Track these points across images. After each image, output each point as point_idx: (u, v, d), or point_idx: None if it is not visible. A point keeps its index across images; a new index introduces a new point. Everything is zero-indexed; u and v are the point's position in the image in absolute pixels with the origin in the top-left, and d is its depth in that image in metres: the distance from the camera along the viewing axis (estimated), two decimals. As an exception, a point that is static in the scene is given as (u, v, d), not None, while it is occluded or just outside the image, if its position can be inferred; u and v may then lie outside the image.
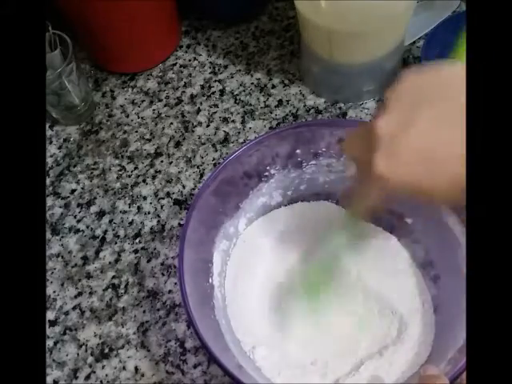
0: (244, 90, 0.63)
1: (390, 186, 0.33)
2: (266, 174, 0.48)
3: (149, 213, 0.56)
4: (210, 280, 0.45)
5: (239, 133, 0.60)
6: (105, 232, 0.55)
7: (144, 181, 0.58)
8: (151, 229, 0.55)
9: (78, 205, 0.57)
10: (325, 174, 0.49)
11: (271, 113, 0.61)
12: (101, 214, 0.56)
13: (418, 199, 0.36)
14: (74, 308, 0.51)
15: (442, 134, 0.32)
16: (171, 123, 0.61)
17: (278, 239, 0.50)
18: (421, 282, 0.47)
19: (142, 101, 0.63)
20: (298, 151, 0.48)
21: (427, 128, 0.32)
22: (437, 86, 0.33)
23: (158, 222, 0.55)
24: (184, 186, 0.57)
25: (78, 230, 0.55)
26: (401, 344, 0.43)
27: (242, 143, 0.58)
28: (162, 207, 0.56)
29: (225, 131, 0.60)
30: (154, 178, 0.58)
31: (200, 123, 0.61)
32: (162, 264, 0.52)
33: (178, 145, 0.60)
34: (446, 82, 0.33)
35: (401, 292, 0.46)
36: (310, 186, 0.50)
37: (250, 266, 0.48)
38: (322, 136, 0.47)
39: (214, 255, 0.46)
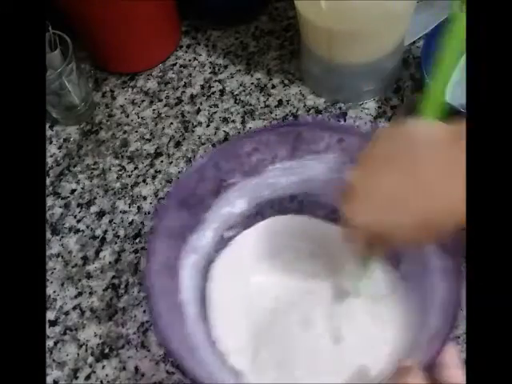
0: (244, 90, 0.63)
1: (358, 226, 0.38)
2: (229, 182, 0.47)
3: (149, 213, 0.56)
4: (179, 297, 0.44)
5: (239, 133, 0.60)
6: (105, 232, 0.55)
7: (144, 181, 0.58)
8: (151, 229, 0.55)
9: (78, 205, 0.57)
10: (286, 177, 0.48)
11: (271, 113, 0.61)
12: (101, 214, 0.56)
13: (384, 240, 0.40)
14: (74, 308, 0.51)
15: (401, 188, 0.36)
16: (171, 123, 0.61)
17: (261, 257, 0.49)
18: (388, 272, 0.47)
19: (142, 101, 0.63)
20: (254, 158, 0.47)
21: (388, 182, 0.36)
22: (402, 145, 0.36)
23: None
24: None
25: (78, 230, 0.55)
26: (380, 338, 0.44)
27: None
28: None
29: (225, 131, 0.60)
30: (154, 178, 0.58)
31: (200, 123, 0.61)
32: (162, 264, 0.52)
33: (178, 145, 0.60)
34: (410, 142, 0.36)
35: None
36: (274, 190, 0.50)
37: (235, 280, 0.48)
38: (279, 141, 0.46)
39: (181, 271, 0.45)
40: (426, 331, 0.41)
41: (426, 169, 0.35)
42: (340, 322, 0.45)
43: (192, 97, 0.63)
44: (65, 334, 0.50)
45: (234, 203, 0.49)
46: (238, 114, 0.61)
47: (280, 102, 0.61)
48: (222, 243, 0.49)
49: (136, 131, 0.61)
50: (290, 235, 0.50)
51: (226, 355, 0.44)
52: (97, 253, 0.54)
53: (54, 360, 0.49)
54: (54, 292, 0.52)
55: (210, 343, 0.44)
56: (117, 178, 0.58)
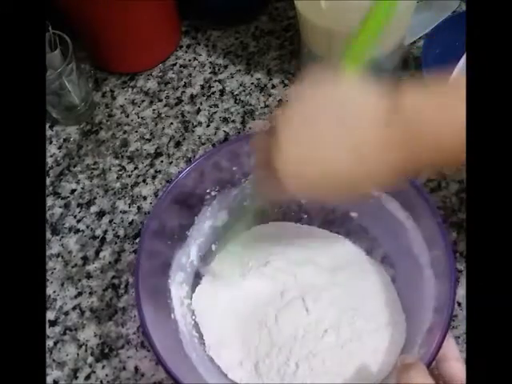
0: (244, 90, 0.63)
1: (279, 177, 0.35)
2: (207, 197, 0.48)
3: (149, 213, 0.56)
4: (172, 316, 0.44)
5: (239, 133, 0.60)
6: (105, 232, 0.55)
7: (144, 181, 0.58)
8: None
9: (78, 205, 0.57)
10: None
11: (271, 113, 0.61)
12: (101, 214, 0.56)
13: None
14: (74, 308, 0.51)
15: (331, 142, 0.34)
16: (171, 123, 0.61)
17: (246, 267, 0.49)
18: (380, 272, 0.48)
19: (142, 101, 0.63)
20: (234, 168, 0.47)
21: (320, 133, 0.34)
22: (327, 100, 0.35)
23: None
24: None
25: (78, 230, 0.55)
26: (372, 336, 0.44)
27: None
28: (161, 207, 0.56)
29: (225, 131, 0.60)
30: (154, 178, 0.58)
31: (200, 123, 0.61)
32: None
33: (178, 145, 0.60)
34: (334, 97, 0.35)
35: (363, 289, 0.47)
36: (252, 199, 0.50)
37: (217, 296, 0.48)
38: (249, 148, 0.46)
39: (171, 290, 0.45)
40: (422, 326, 0.41)
41: (359, 129, 0.33)
42: (335, 324, 0.45)
43: (192, 97, 0.63)
44: (65, 334, 0.50)
45: (216, 216, 0.49)
46: (238, 114, 0.61)
47: (280, 102, 0.61)
48: (208, 257, 0.49)
49: (136, 131, 0.61)
50: (275, 242, 0.50)
51: (224, 371, 0.44)
52: (97, 253, 0.54)
53: (53, 360, 0.49)
54: (54, 292, 0.52)
55: (209, 359, 0.44)
56: (117, 178, 0.58)
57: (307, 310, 0.45)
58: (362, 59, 0.38)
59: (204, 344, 0.45)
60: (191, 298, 0.47)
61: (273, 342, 0.44)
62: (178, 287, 0.46)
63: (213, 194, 0.48)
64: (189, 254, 0.48)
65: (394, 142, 0.32)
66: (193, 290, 0.48)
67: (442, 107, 0.32)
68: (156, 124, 0.62)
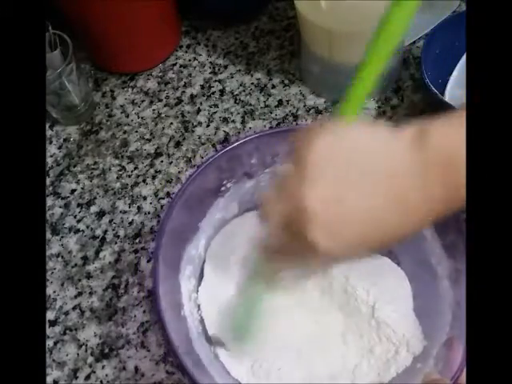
0: (244, 90, 0.63)
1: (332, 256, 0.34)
2: (223, 188, 0.47)
3: (149, 213, 0.56)
4: (182, 312, 0.44)
5: (239, 133, 0.60)
6: (105, 232, 0.55)
7: (144, 181, 0.58)
8: (151, 229, 0.55)
9: (78, 205, 0.57)
10: None
11: (271, 113, 0.61)
12: (101, 213, 0.56)
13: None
14: (74, 308, 0.51)
15: (368, 202, 0.32)
16: (171, 123, 0.61)
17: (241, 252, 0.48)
18: (400, 280, 0.47)
19: (142, 101, 0.63)
20: (253, 161, 0.47)
21: (357, 198, 0.32)
22: (350, 152, 0.33)
23: (158, 221, 0.55)
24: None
25: (78, 230, 0.55)
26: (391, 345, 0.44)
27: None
28: (161, 207, 0.56)
29: (225, 131, 0.60)
30: (153, 178, 0.58)
31: (200, 123, 0.61)
32: (162, 264, 0.52)
33: (178, 145, 0.60)
34: (356, 147, 0.33)
35: (385, 297, 0.46)
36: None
37: (221, 284, 0.47)
38: (274, 144, 0.46)
39: (181, 285, 0.45)
40: (438, 338, 0.40)
41: (392, 177, 0.31)
42: (346, 330, 0.45)
43: (192, 97, 0.63)
44: (65, 334, 0.50)
45: (227, 208, 0.49)
46: (238, 113, 0.61)
47: (280, 102, 0.61)
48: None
49: (136, 131, 0.61)
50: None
51: (228, 368, 0.44)
52: (97, 253, 0.54)
53: (53, 360, 0.49)
54: (54, 292, 0.52)
55: (214, 356, 0.44)
56: (117, 178, 0.58)
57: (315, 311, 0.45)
58: (360, 106, 0.37)
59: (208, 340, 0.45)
60: (197, 292, 0.47)
61: (277, 341, 0.44)
62: (186, 281, 0.46)
63: (228, 185, 0.48)
64: (198, 247, 0.48)
65: (430, 174, 0.31)
66: (199, 283, 0.48)
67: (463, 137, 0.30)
68: (156, 124, 0.62)
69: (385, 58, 0.35)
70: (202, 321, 0.46)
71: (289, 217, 0.33)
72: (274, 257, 0.40)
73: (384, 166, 0.32)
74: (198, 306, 0.46)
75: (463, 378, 0.36)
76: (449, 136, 0.31)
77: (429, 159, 0.31)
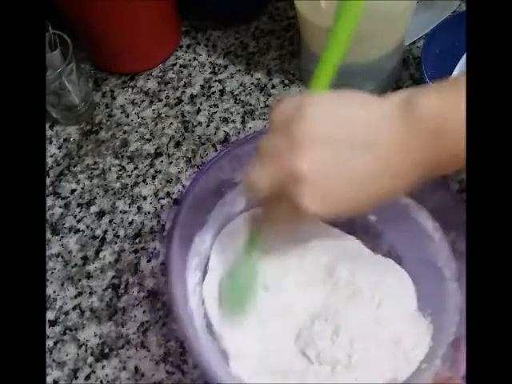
0: (244, 90, 0.63)
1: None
2: (232, 182, 0.47)
3: (149, 213, 0.56)
4: (188, 307, 0.43)
5: (239, 133, 0.60)
6: (105, 232, 0.55)
7: (144, 181, 0.58)
8: (151, 229, 0.55)
9: (78, 205, 0.57)
10: None
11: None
12: (101, 213, 0.56)
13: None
14: (74, 308, 0.51)
15: (358, 168, 0.33)
16: (171, 123, 0.61)
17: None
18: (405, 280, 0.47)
19: (142, 101, 0.63)
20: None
21: (344, 163, 0.33)
22: (337, 119, 0.34)
23: (158, 221, 0.55)
24: (184, 186, 0.57)
25: (78, 230, 0.55)
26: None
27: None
28: (161, 207, 0.56)
29: (225, 131, 0.60)
30: (153, 178, 0.58)
31: (200, 123, 0.61)
32: (162, 264, 0.52)
33: (178, 145, 0.60)
34: (343, 114, 0.34)
35: (393, 297, 0.46)
36: None
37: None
38: None
39: (187, 278, 0.45)
40: (445, 339, 0.40)
41: (380, 143, 0.33)
42: (353, 329, 0.44)
43: (192, 97, 0.63)
44: (65, 334, 0.50)
45: (235, 202, 0.49)
46: (238, 113, 0.61)
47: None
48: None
49: (136, 131, 0.61)
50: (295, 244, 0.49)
51: (231, 361, 0.43)
52: (97, 253, 0.54)
53: (53, 360, 0.49)
54: (54, 292, 0.52)
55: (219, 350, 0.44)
56: (117, 178, 0.58)
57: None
58: (329, 81, 0.38)
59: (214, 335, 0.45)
60: (202, 284, 0.47)
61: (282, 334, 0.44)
62: (192, 274, 0.46)
63: (238, 178, 0.47)
64: (205, 239, 0.48)
65: (416, 142, 0.32)
66: (203, 276, 0.47)
67: (455, 104, 0.31)
68: (156, 124, 0.62)
69: (345, 40, 0.39)
70: (205, 316, 0.46)
71: (277, 183, 0.34)
72: (264, 223, 0.41)
73: (370, 135, 0.33)
74: (203, 300, 0.46)
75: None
76: (438, 104, 0.32)
77: (415, 127, 0.32)
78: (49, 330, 0.50)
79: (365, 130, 0.33)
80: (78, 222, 0.56)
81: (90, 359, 0.48)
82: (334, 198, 0.34)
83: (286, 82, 0.63)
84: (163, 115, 0.62)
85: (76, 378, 0.48)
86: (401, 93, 0.34)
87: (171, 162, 0.59)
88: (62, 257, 0.54)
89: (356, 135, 0.33)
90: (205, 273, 0.47)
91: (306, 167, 0.33)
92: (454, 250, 0.42)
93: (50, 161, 0.60)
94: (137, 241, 0.54)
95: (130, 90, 0.64)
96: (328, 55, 0.38)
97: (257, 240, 0.44)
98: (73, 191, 0.58)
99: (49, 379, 0.48)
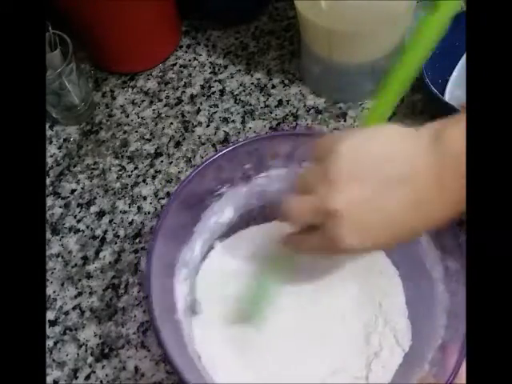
0: (244, 90, 0.63)
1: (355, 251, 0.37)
2: (218, 192, 0.47)
3: (149, 213, 0.56)
4: (176, 316, 0.43)
5: (239, 133, 0.60)
6: (105, 232, 0.55)
7: (144, 181, 0.58)
8: (151, 229, 0.55)
9: (78, 205, 0.57)
10: (273, 185, 0.48)
11: (271, 113, 0.61)
12: (101, 214, 0.56)
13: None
14: (74, 308, 0.51)
15: (388, 201, 0.34)
16: (171, 123, 0.61)
17: (241, 265, 0.49)
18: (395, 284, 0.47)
19: (142, 101, 0.63)
20: (247, 166, 0.47)
21: (380, 200, 0.34)
22: (374, 155, 0.35)
23: (158, 222, 0.55)
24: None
25: (78, 230, 0.55)
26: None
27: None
28: (161, 207, 0.56)
29: (225, 131, 0.60)
30: (153, 178, 0.58)
31: (200, 123, 0.61)
32: (162, 264, 0.52)
33: (178, 145, 0.60)
34: (380, 151, 0.35)
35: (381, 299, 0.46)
36: (260, 198, 0.49)
37: (216, 292, 0.47)
38: (271, 148, 0.46)
39: (175, 288, 0.45)
40: (432, 342, 0.40)
41: (409, 178, 0.33)
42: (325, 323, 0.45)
43: (192, 97, 0.63)
44: (65, 333, 0.50)
45: (222, 212, 0.49)
46: (238, 113, 0.61)
47: (280, 102, 0.61)
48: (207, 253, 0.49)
49: (136, 131, 0.61)
50: (271, 242, 0.49)
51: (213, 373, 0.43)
52: (97, 253, 0.54)
53: (53, 360, 0.49)
54: (54, 292, 0.52)
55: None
56: (117, 178, 0.58)
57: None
58: (386, 115, 0.39)
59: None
60: (193, 294, 0.47)
61: (265, 343, 0.44)
62: (181, 284, 0.46)
63: (223, 190, 0.48)
64: (193, 250, 0.48)
65: (446, 175, 0.32)
66: (193, 286, 0.47)
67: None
68: (156, 124, 0.62)
69: (411, 72, 0.38)
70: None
71: (314, 216, 0.36)
72: (296, 249, 0.42)
73: (405, 170, 0.34)
74: (192, 309, 0.46)
75: (463, 379, 0.36)
76: (462, 139, 0.32)
77: (445, 163, 0.32)
78: (49, 330, 0.50)
79: (401, 163, 0.34)
80: (78, 221, 0.56)
81: (90, 359, 0.49)
82: (369, 231, 0.35)
83: (286, 81, 0.63)
84: (163, 115, 0.62)
85: (76, 378, 0.48)
86: (429, 128, 0.34)
87: (171, 162, 0.59)
88: (62, 257, 0.54)
89: (392, 170, 0.34)
90: (193, 283, 0.47)
91: (341, 207, 0.34)
92: (444, 248, 0.42)
93: (50, 161, 0.60)
94: (137, 241, 0.54)
95: (129, 90, 0.64)
96: (392, 84, 0.39)
97: (284, 265, 0.45)
98: (73, 191, 0.58)
99: (49, 379, 0.48)
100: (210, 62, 0.65)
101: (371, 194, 0.34)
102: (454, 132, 0.32)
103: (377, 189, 0.34)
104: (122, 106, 0.63)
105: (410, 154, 0.34)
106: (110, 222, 0.56)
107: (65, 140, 0.61)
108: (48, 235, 0.55)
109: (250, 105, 0.61)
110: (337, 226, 0.34)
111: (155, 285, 0.40)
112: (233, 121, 0.61)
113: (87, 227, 0.56)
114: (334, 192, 0.34)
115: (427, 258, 0.44)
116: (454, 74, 0.58)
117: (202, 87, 0.64)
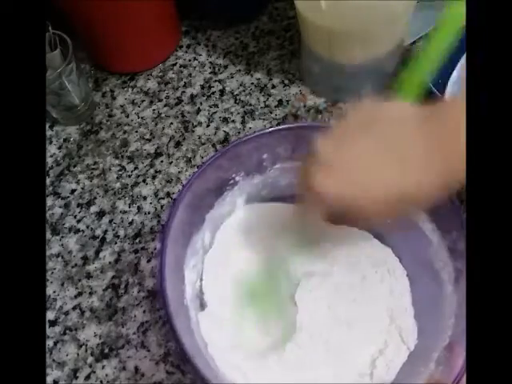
0: (244, 90, 0.63)
1: (326, 199, 0.36)
2: (231, 182, 0.47)
3: (149, 213, 0.56)
4: (185, 302, 0.44)
5: (239, 133, 0.60)
6: (105, 232, 0.55)
7: (144, 181, 0.58)
8: (151, 229, 0.55)
9: (78, 205, 0.57)
10: (287, 177, 0.49)
11: (271, 113, 0.61)
12: (101, 214, 0.56)
13: (355, 214, 0.39)
14: (74, 308, 0.51)
15: (374, 159, 0.35)
16: (171, 123, 0.61)
17: (245, 242, 0.49)
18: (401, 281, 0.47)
19: (142, 101, 0.63)
20: (264, 156, 0.47)
21: (361, 153, 0.36)
22: (375, 120, 0.37)
23: (158, 221, 0.55)
24: (184, 186, 0.57)
25: (78, 230, 0.55)
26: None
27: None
28: (161, 207, 0.56)
29: (225, 131, 0.60)
30: (154, 178, 0.58)
31: (200, 123, 0.61)
32: (162, 264, 0.52)
33: (178, 145, 0.60)
34: (382, 117, 0.37)
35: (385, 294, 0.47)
36: (272, 190, 0.50)
37: (221, 275, 0.48)
38: (285, 141, 0.47)
39: (185, 275, 0.45)
40: (440, 342, 0.40)
41: (401, 143, 0.35)
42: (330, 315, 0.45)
43: (192, 97, 0.63)
44: (65, 333, 0.50)
45: (235, 202, 0.49)
46: (238, 113, 0.61)
47: (280, 102, 0.61)
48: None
49: (136, 131, 0.61)
50: (270, 223, 0.50)
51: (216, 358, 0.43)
52: (97, 253, 0.54)
53: (53, 360, 0.49)
54: (54, 292, 0.52)
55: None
56: (117, 178, 0.58)
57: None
58: (419, 87, 0.40)
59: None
60: (201, 281, 0.47)
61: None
62: (190, 272, 0.46)
63: (237, 179, 0.48)
64: (203, 239, 0.48)
65: (435, 143, 0.33)
66: (201, 274, 0.48)
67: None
68: (156, 124, 0.62)
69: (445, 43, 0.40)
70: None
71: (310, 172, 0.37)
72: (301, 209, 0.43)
73: (397, 133, 0.35)
74: (201, 299, 0.46)
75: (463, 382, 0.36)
76: (457, 114, 0.33)
77: (433, 131, 0.34)
78: (49, 330, 0.50)
79: (394, 128, 0.36)
80: (78, 221, 0.56)
81: (90, 359, 0.48)
82: (347, 180, 0.36)
83: (286, 81, 0.63)
84: (163, 115, 0.62)
85: (76, 377, 0.48)
86: (431, 105, 0.36)
87: (171, 162, 0.59)
88: (62, 257, 0.54)
89: (386, 134, 0.36)
90: (202, 271, 0.48)
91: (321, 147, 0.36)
92: (455, 250, 0.42)
93: (50, 161, 0.60)
94: (137, 241, 0.54)
95: (129, 90, 0.64)
96: (425, 58, 0.41)
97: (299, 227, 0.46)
98: (73, 191, 0.58)
99: (49, 379, 0.48)
100: (210, 62, 0.65)
101: (361, 150, 0.35)
102: (451, 106, 0.35)
103: (367, 147, 0.35)
104: (122, 106, 0.63)
105: (406, 121, 0.36)
106: (110, 222, 0.56)
107: (65, 140, 0.61)
108: (48, 235, 0.55)
109: (250, 105, 0.61)
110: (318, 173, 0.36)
111: (168, 274, 0.40)
112: (233, 121, 0.61)
113: (87, 227, 0.56)
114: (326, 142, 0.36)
115: (436, 259, 0.44)
116: (454, 74, 0.58)
117: (202, 87, 0.64)
